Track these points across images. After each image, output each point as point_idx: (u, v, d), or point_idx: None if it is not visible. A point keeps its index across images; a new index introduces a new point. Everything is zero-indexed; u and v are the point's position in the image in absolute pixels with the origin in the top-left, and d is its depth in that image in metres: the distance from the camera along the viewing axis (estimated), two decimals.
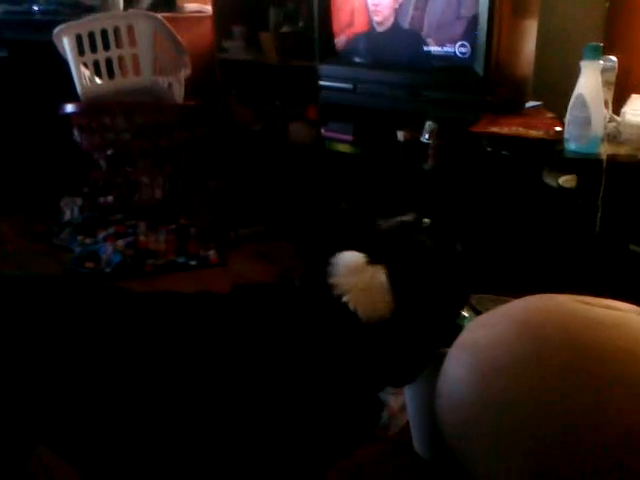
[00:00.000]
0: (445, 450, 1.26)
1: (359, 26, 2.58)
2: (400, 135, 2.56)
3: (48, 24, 2.90)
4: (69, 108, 2.77)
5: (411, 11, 2.38)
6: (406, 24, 2.41)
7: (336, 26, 2.67)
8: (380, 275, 0.96)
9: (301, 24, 3.13)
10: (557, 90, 2.18)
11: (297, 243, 2.65)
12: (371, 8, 2.51)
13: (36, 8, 3.46)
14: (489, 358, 0.94)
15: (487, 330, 0.99)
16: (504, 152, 1.89)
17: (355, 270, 0.97)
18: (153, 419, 0.89)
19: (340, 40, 2.68)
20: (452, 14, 2.26)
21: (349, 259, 0.99)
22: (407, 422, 1.53)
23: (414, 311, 0.97)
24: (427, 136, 2.42)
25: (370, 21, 2.54)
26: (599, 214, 1.67)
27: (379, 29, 2.51)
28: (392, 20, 2.46)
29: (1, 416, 0.90)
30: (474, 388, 0.94)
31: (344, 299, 0.95)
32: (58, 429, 0.93)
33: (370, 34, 2.55)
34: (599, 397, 0.83)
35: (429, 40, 2.36)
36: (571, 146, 1.78)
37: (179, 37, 2.89)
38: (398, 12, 2.43)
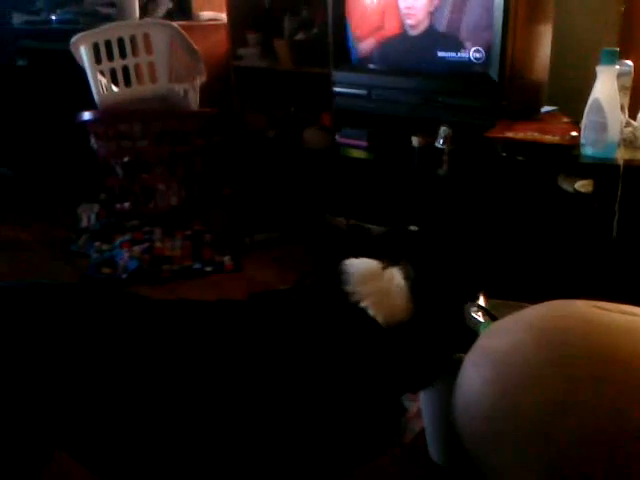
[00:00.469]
0: (461, 456, 1.25)
1: (390, 29, 2.54)
2: (414, 141, 2.56)
3: (66, 33, 2.93)
4: (86, 116, 2.80)
5: (447, 14, 2.34)
6: (443, 27, 2.38)
7: (360, 29, 2.64)
8: (398, 279, 0.97)
9: (315, 31, 3.14)
10: (572, 95, 2.17)
11: (310, 248, 2.65)
12: (404, 11, 2.47)
13: (54, 17, 3.52)
14: (507, 365, 0.94)
15: (505, 336, 0.99)
16: (519, 157, 1.88)
17: (371, 276, 0.98)
18: (171, 425, 0.89)
19: (366, 43, 2.64)
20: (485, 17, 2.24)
21: (363, 265, 0.99)
22: (422, 428, 1.53)
23: (432, 314, 0.97)
24: (441, 142, 2.42)
25: (402, 24, 2.49)
26: (616, 219, 1.66)
27: (412, 32, 2.46)
28: (427, 23, 2.41)
29: (19, 421, 0.91)
30: (492, 395, 0.93)
31: (363, 305, 0.95)
32: (76, 434, 0.94)
33: (402, 37, 2.50)
34: (621, 404, 0.82)
35: (467, 43, 2.31)
36: (587, 151, 1.77)
37: (194, 45, 2.92)
38: (433, 15, 2.39)
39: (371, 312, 0.94)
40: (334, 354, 0.91)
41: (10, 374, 0.90)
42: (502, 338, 0.99)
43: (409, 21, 2.46)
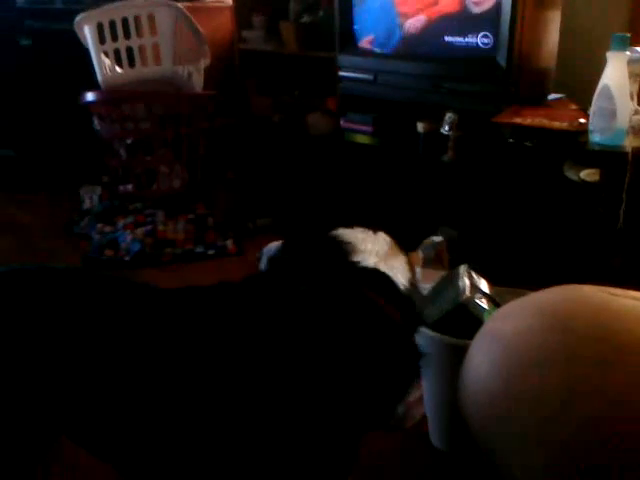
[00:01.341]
0: (463, 441, 1.26)
1: (448, 6, 2.34)
2: (420, 127, 2.55)
3: (70, 13, 2.91)
4: (89, 97, 2.78)
5: None
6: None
7: (409, 5, 2.48)
8: (391, 241, 0.99)
9: (321, 14, 3.11)
10: (580, 82, 2.15)
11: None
12: None
13: None
14: (516, 349, 0.93)
15: (512, 321, 0.98)
16: (527, 143, 1.87)
17: (371, 241, 0.99)
18: (174, 410, 0.89)
19: (416, 20, 2.45)
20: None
21: (355, 234, 1.01)
22: (424, 414, 1.53)
23: None
24: (447, 128, 2.40)
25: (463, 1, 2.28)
26: (623, 207, 1.65)
27: (475, 10, 2.24)
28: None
29: (21, 406, 0.91)
30: (500, 380, 0.93)
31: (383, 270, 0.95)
32: (78, 419, 0.94)
33: (463, 14, 2.29)
34: (630, 388, 0.82)
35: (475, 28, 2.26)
36: (595, 138, 1.76)
37: (199, 27, 2.89)
38: None
39: (393, 276, 0.95)
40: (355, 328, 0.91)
41: (14, 359, 0.90)
42: (509, 322, 0.99)
43: None
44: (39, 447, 0.99)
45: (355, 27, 2.71)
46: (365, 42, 2.69)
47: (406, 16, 2.49)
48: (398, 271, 0.99)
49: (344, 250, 0.98)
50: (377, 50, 2.65)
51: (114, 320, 0.93)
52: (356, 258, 0.97)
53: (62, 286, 0.97)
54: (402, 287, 0.97)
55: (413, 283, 0.99)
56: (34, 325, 0.91)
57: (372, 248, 0.98)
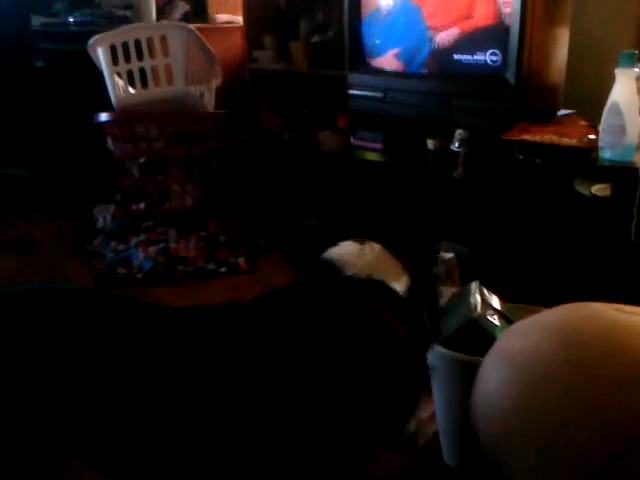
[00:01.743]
0: (475, 459, 1.25)
1: (483, 19, 2.28)
2: (430, 143, 2.56)
3: (83, 35, 2.96)
4: (103, 117, 2.82)
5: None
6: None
7: (439, 18, 2.42)
8: (381, 249, 0.99)
9: (331, 34, 3.15)
10: (590, 98, 2.16)
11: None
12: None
13: (72, 19, 3.55)
14: (527, 367, 0.93)
15: (524, 338, 0.98)
16: (537, 160, 1.87)
17: (360, 253, 0.99)
18: (186, 429, 0.89)
19: (449, 33, 2.39)
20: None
21: (345, 249, 1.01)
22: (436, 431, 1.52)
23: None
24: (457, 144, 2.42)
25: (499, 13, 2.23)
26: (634, 223, 1.65)
27: (508, 21, 2.19)
28: None
29: (33, 426, 0.91)
30: (512, 397, 0.93)
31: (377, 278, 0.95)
32: (90, 439, 0.95)
33: (499, 26, 2.24)
34: None
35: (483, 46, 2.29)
36: (605, 154, 1.76)
37: (210, 47, 2.93)
38: None
39: (388, 284, 0.96)
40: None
41: (26, 380, 0.90)
42: (521, 339, 0.98)
43: (507, 10, 2.19)
44: (49, 468, 0.99)
45: (376, 41, 2.68)
46: (389, 55, 2.65)
47: (437, 29, 2.43)
48: (392, 278, 0.99)
49: (337, 267, 0.98)
50: (387, 68, 2.67)
51: (123, 341, 0.94)
52: (349, 272, 0.97)
53: (73, 307, 0.98)
54: (401, 295, 0.97)
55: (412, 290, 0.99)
56: (44, 346, 0.92)
57: (361, 260, 0.98)
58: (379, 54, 2.69)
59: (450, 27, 2.39)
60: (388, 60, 2.67)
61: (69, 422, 0.92)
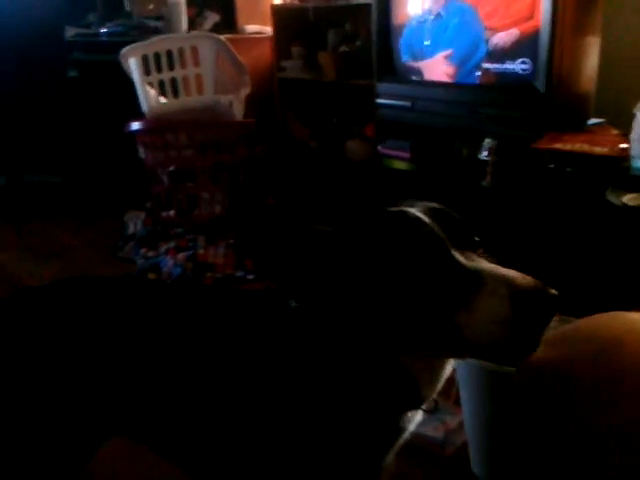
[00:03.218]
0: (504, 469, 1.24)
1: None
2: (458, 152, 2.55)
3: (115, 45, 3.01)
4: (134, 126, 2.87)
5: None
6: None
7: (495, 19, 2.35)
8: None
9: (359, 43, 3.17)
10: (621, 106, 2.13)
11: None
12: None
13: (104, 30, 3.62)
14: (563, 379, 0.92)
15: (558, 350, 0.97)
16: (568, 169, 1.86)
17: None
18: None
19: (509, 34, 2.30)
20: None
21: None
22: (465, 441, 1.52)
23: None
24: (486, 153, 2.41)
25: None
26: None
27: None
28: None
29: (74, 404, 0.95)
30: (549, 411, 0.92)
31: None
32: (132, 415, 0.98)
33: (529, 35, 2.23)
34: None
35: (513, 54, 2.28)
36: (637, 163, 1.74)
37: (240, 57, 2.96)
38: None
39: None
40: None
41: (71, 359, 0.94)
42: (556, 352, 0.97)
43: None
44: (90, 446, 1.02)
45: (424, 43, 2.64)
46: (439, 57, 2.59)
47: (494, 30, 2.36)
48: None
49: None
50: (414, 77, 2.67)
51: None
52: None
53: (110, 293, 1.02)
54: None
55: None
56: (79, 329, 0.96)
57: None
58: (428, 56, 2.64)
59: (509, 28, 2.31)
60: (438, 62, 2.61)
61: (113, 399, 0.95)
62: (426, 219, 0.80)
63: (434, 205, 0.86)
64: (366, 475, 0.89)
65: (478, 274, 0.75)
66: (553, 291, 0.74)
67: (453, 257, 0.77)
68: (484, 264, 0.78)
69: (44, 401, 0.94)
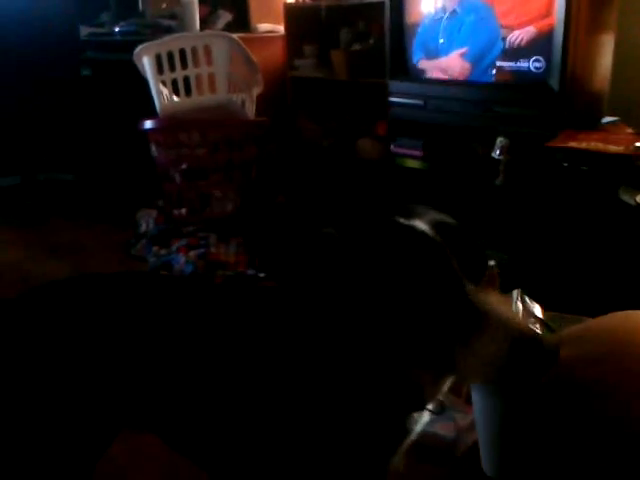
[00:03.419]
0: (515, 469, 1.23)
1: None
2: (471, 151, 2.54)
3: (129, 44, 3.02)
4: (147, 124, 2.87)
5: None
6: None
7: (512, 17, 2.35)
8: None
9: (371, 42, 3.16)
10: (635, 105, 2.12)
11: None
12: None
13: (117, 29, 3.63)
14: (579, 378, 0.91)
15: (572, 349, 0.96)
16: (583, 167, 1.84)
17: None
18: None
19: (525, 32, 2.30)
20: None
21: None
22: (476, 440, 1.51)
23: None
24: (498, 152, 2.40)
25: None
26: None
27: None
28: None
29: (87, 397, 0.95)
30: (567, 411, 0.91)
31: None
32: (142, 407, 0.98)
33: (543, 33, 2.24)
34: None
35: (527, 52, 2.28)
36: None
37: (252, 56, 2.97)
38: None
39: None
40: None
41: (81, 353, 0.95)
42: (570, 351, 0.97)
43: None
44: (103, 439, 1.03)
45: (440, 40, 2.63)
46: (455, 55, 2.59)
47: (510, 28, 2.35)
48: None
49: None
50: (427, 76, 2.66)
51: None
52: None
53: (119, 288, 1.03)
54: None
55: None
56: (91, 322, 0.97)
57: None
58: (443, 54, 2.63)
59: (525, 26, 2.30)
60: (453, 60, 2.60)
61: (120, 392, 0.96)
62: (438, 241, 0.78)
63: (445, 219, 0.84)
64: (372, 476, 0.89)
65: (484, 315, 0.75)
66: (551, 345, 0.76)
67: (463, 290, 0.76)
68: (491, 301, 0.77)
69: (56, 398, 0.95)
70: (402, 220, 0.81)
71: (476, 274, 0.80)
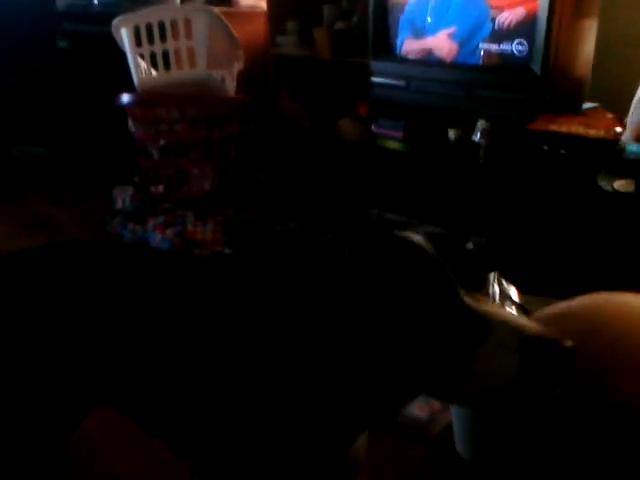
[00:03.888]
0: (489, 450, 1.24)
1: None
2: (451, 133, 2.54)
3: (107, 16, 2.95)
4: (125, 99, 2.82)
5: None
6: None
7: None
8: None
9: (355, 20, 3.12)
10: (616, 91, 2.12)
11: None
12: None
13: (96, 1, 3.55)
14: None
15: (553, 329, 0.96)
16: (562, 151, 1.85)
17: None
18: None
19: (514, 13, 2.26)
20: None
21: None
22: (449, 421, 1.52)
23: None
24: (479, 135, 2.39)
25: None
26: None
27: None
28: None
29: (61, 374, 0.94)
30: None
31: None
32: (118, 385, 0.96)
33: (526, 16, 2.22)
34: None
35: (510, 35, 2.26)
36: (632, 147, 1.73)
37: (234, 31, 2.92)
38: None
39: None
40: None
41: (52, 328, 0.92)
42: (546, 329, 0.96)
43: None
44: (76, 415, 1.01)
45: (427, 19, 2.59)
46: (442, 35, 2.55)
47: (500, 9, 2.31)
48: None
49: None
50: (410, 57, 2.64)
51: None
52: None
53: (89, 257, 1.00)
54: None
55: None
56: (66, 293, 0.94)
57: None
58: (430, 33, 2.59)
59: (515, 7, 2.26)
60: (440, 40, 2.56)
61: (98, 367, 0.94)
62: (434, 254, 0.72)
63: (441, 231, 0.79)
64: (332, 458, 0.87)
65: (485, 322, 0.67)
66: (569, 342, 0.64)
67: (462, 301, 0.69)
68: (491, 309, 0.70)
69: (27, 369, 0.92)
70: (395, 232, 0.76)
71: (474, 285, 0.73)
